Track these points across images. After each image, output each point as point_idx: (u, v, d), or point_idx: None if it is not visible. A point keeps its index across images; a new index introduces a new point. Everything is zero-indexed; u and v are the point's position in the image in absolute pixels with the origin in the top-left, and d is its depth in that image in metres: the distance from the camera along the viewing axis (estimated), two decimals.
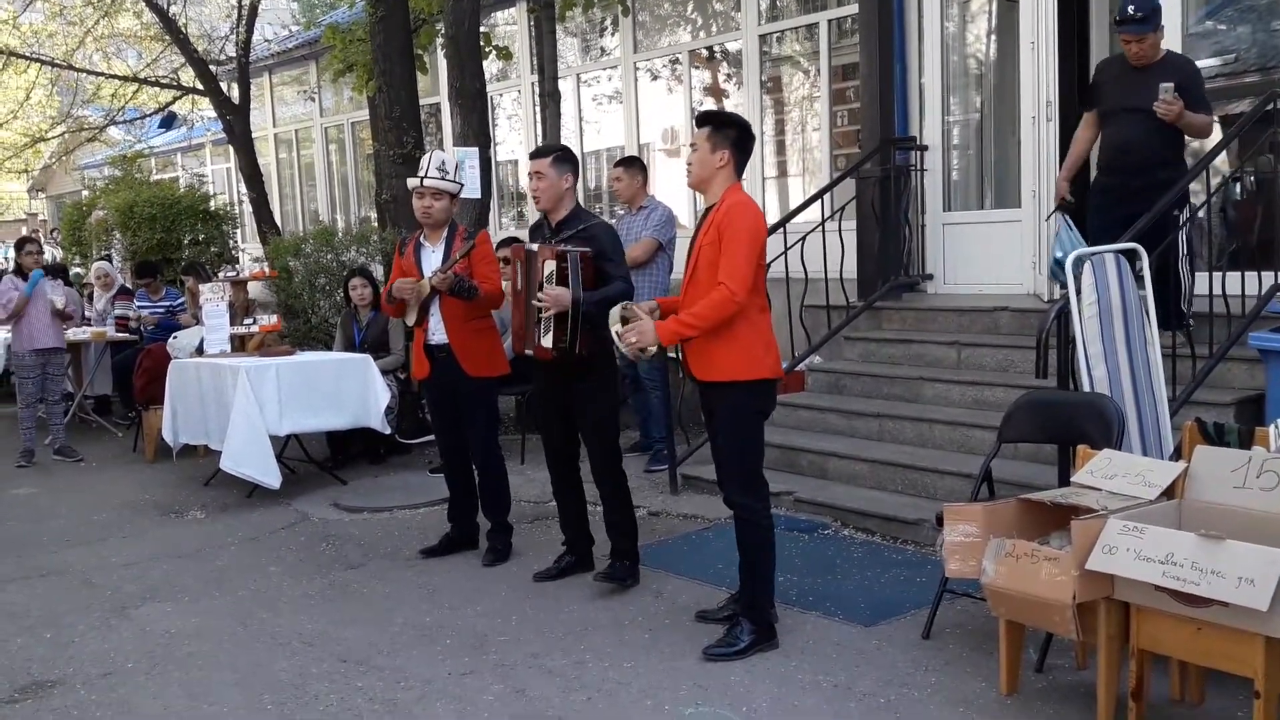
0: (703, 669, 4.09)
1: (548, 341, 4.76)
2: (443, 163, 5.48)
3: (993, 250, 7.37)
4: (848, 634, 4.38)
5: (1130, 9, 5.48)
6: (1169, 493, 3.59)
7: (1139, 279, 4.89)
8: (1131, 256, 4.89)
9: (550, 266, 4.70)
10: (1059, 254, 5.75)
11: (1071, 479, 3.89)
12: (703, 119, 4.35)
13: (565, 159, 5.00)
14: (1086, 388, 4.54)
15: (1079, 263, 4.69)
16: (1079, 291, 4.62)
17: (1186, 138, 5.77)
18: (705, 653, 4.18)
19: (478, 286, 5.33)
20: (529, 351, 4.93)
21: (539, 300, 4.71)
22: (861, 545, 5.50)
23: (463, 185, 5.60)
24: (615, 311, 4.34)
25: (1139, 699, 3.38)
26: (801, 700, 3.81)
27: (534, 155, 5.07)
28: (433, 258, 5.49)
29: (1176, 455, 4.26)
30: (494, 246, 5.71)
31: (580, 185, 5.90)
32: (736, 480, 4.28)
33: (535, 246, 4.91)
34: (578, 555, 5.25)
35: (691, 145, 4.33)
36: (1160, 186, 5.41)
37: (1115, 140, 5.78)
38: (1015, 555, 3.51)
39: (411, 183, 5.52)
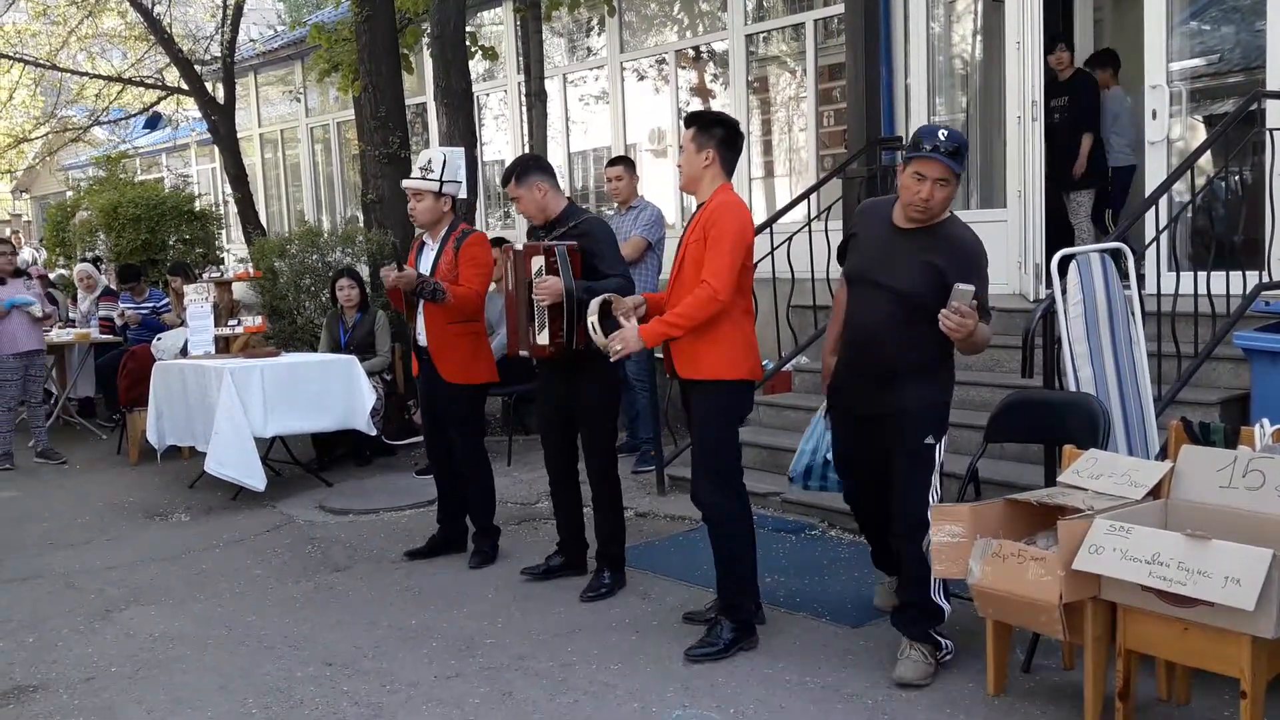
0: (690, 671, 4.07)
1: (544, 338, 4.70)
2: (428, 162, 5.36)
3: None
4: (835, 635, 4.37)
5: (941, 134, 3.79)
6: (1155, 492, 3.59)
7: (1124, 278, 4.90)
8: (1116, 255, 4.89)
9: (539, 262, 4.67)
10: (806, 448, 4.66)
11: (1058, 479, 3.89)
12: (689, 120, 4.32)
13: (528, 170, 4.96)
14: (1072, 387, 4.54)
15: (1065, 261, 4.69)
16: (1064, 291, 4.63)
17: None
18: (687, 654, 4.17)
19: (443, 289, 5.14)
20: (524, 352, 4.90)
21: (535, 294, 4.68)
22: (848, 545, 5.50)
23: (444, 182, 5.36)
24: (594, 304, 4.29)
25: (1125, 699, 3.38)
26: (789, 702, 3.80)
27: (503, 182, 5.06)
28: (429, 256, 5.41)
29: (1162, 455, 4.26)
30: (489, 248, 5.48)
31: (566, 184, 5.78)
32: (708, 479, 4.26)
33: (521, 246, 4.89)
34: (570, 558, 5.21)
35: (681, 148, 4.32)
36: (902, 415, 3.89)
37: (852, 325, 4.10)
38: (1002, 555, 3.51)
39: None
